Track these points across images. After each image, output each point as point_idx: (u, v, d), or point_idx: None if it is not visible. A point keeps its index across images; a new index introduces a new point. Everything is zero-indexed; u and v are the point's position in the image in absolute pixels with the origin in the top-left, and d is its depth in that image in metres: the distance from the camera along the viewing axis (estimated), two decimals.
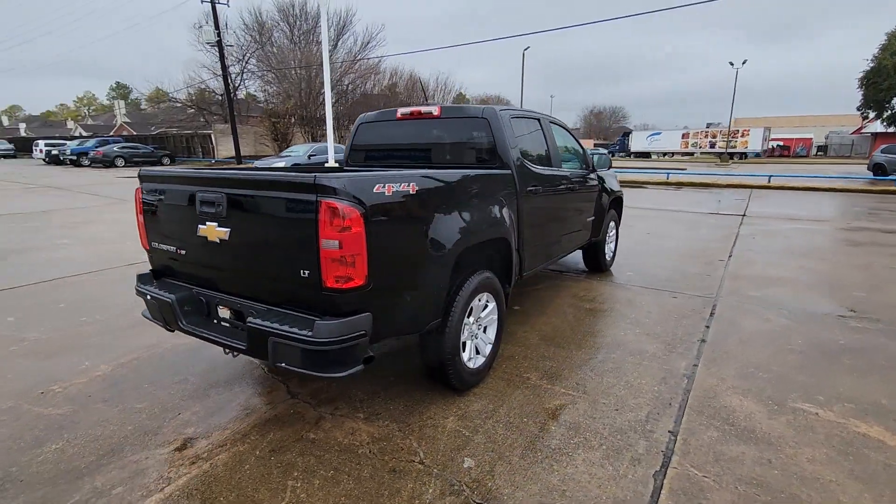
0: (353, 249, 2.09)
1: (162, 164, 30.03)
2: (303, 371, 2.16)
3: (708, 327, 4.08)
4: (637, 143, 47.18)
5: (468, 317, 2.95)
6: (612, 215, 5.74)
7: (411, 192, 2.40)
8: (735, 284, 5.29)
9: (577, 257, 6.00)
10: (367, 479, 2.25)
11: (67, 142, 33.01)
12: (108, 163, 28.17)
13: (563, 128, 4.83)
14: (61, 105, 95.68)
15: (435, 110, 3.70)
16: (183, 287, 2.73)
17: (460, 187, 2.82)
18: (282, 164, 17.67)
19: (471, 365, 2.99)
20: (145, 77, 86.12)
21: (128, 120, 60.61)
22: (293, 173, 2.23)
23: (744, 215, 10.48)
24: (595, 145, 65.32)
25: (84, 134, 55.77)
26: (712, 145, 41.74)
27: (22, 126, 76.91)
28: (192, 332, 2.59)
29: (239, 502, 2.11)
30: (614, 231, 5.97)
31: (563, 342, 3.78)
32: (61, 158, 29.73)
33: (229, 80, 34.35)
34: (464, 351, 2.94)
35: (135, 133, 45.31)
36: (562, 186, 4.24)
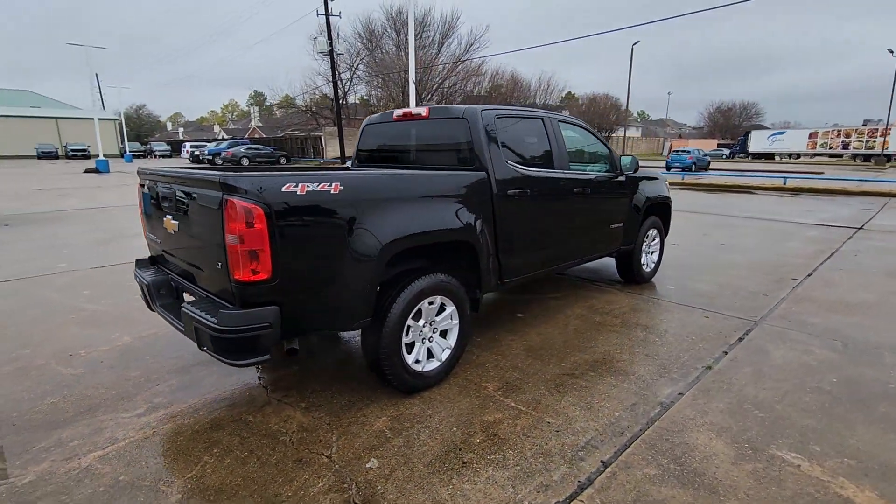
0: (255, 245, 2.20)
1: (279, 164, 33.24)
2: (215, 356, 2.33)
3: (726, 353, 3.59)
4: (757, 143, 42.23)
5: (416, 319, 2.92)
6: (653, 223, 5.25)
7: (333, 192, 2.46)
8: (794, 308, 4.56)
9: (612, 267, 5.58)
10: (272, 465, 2.36)
11: (207, 144, 38.07)
12: (235, 162, 31.89)
13: (583, 128, 4.54)
14: (212, 112, 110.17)
15: (424, 111, 3.70)
16: (163, 273, 3.07)
17: (399, 189, 2.81)
18: None
19: (418, 368, 2.97)
20: (273, 85, 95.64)
21: (260, 124, 68.17)
22: (209, 172, 2.40)
23: (860, 228, 8.91)
24: (718, 145, 59.58)
25: (225, 137, 63.78)
26: (845, 146, 35.87)
27: (180, 130, 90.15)
28: (161, 314, 2.91)
29: (154, 469, 2.33)
30: (657, 240, 5.45)
31: (546, 355, 3.58)
32: (201, 158, 34.32)
33: (339, 86, 36.98)
34: (409, 353, 2.92)
35: (264, 136, 50.69)
36: (567, 189, 3.99)
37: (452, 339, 3.17)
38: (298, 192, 2.33)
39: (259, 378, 3.24)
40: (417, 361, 2.98)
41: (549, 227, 3.91)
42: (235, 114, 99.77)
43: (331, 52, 30.67)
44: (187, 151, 38.06)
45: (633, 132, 77.66)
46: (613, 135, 54.06)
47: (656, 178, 5.37)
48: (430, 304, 2.97)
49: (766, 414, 2.78)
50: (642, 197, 4.99)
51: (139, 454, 2.44)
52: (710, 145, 57.41)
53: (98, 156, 27.36)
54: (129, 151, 43.70)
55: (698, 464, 2.35)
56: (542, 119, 3.99)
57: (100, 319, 4.29)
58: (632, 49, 37.36)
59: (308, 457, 2.43)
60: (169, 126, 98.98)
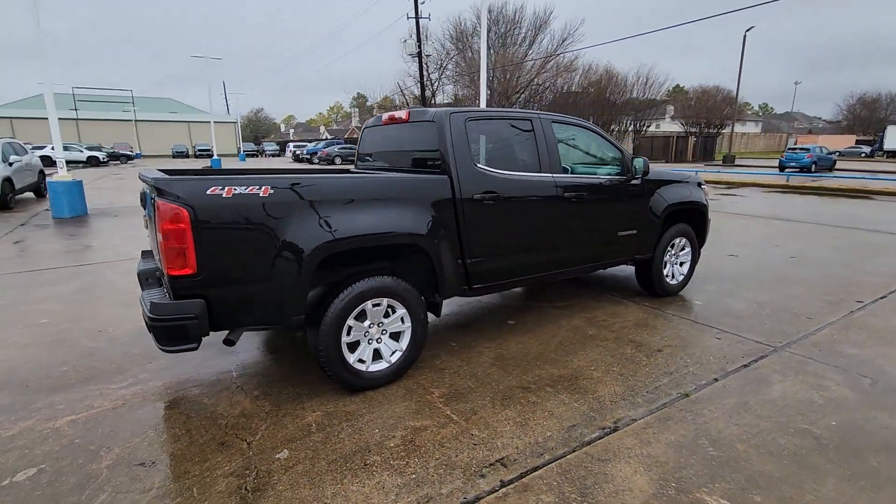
0: (180, 243, 2.42)
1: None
2: (154, 341, 2.59)
3: (716, 380, 3.21)
4: (892, 139, 36.05)
5: (360, 320, 2.99)
6: (680, 231, 4.80)
7: (262, 195, 2.61)
8: (837, 335, 3.92)
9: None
10: (198, 445, 2.57)
11: (307, 144, 41.12)
12: (329, 160, 34.12)
13: (587, 129, 4.29)
14: (319, 114, 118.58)
15: (405, 115, 3.75)
16: (152, 263, 3.45)
17: (341, 192, 2.89)
18: None
19: (361, 367, 3.03)
20: (366, 87, 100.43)
21: (359, 125, 72.02)
22: (152, 175, 2.66)
23: None
24: (857, 142, 51.95)
25: (328, 137, 68.36)
26: None
27: (291, 131, 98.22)
28: (140, 300, 3.28)
29: (104, 437, 2.65)
30: (687, 249, 4.96)
31: (512, 365, 3.45)
32: (300, 157, 37.21)
33: (427, 86, 37.87)
34: (352, 352, 3.00)
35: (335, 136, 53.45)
36: (554, 194, 3.80)
37: (404, 342, 3.19)
38: (224, 195, 2.51)
39: (235, 366, 3.51)
40: (361, 361, 3.05)
41: (531, 232, 3.76)
42: (340, 115, 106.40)
43: (419, 54, 31.61)
44: (290, 151, 41.42)
45: (752, 127, 70.22)
46: (724, 131, 49.25)
47: (683, 182, 4.89)
48: (376, 305, 3.02)
49: (720, 453, 2.46)
50: (662, 202, 4.58)
51: (101, 422, 2.79)
52: (845, 142, 50.19)
53: (213, 155, 30.83)
54: (243, 151, 48.54)
55: (604, 497, 2.16)
56: (532, 120, 3.83)
57: (137, 302, 4.89)
58: (744, 36, 33.75)
59: (231, 441, 2.61)
60: (282, 127, 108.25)
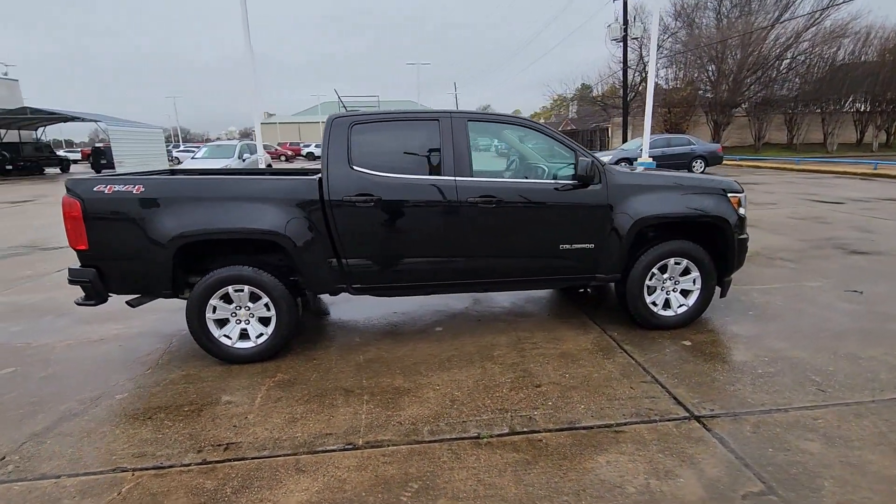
0: (75, 226, 3.29)
1: None
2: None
3: (535, 432, 2.64)
4: None
5: (227, 302, 3.48)
6: (675, 249, 3.80)
7: (135, 192, 3.30)
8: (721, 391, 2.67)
9: None
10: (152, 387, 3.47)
11: None
12: None
13: (533, 128, 3.83)
14: (543, 107, 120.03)
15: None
16: None
17: (207, 191, 3.38)
18: (608, 158, 17.60)
19: (227, 342, 3.51)
20: (566, 81, 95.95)
21: (575, 116, 70.42)
22: (72, 178, 3.56)
23: None
24: None
25: None
26: None
27: None
28: None
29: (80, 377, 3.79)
30: (694, 274, 3.88)
31: (370, 370, 3.45)
32: (496, 152, 38.83)
33: (636, 71, 34.78)
34: (220, 327, 3.51)
35: (574, 128, 52.47)
36: (456, 198, 3.54)
37: (271, 327, 3.55)
38: (106, 192, 3.29)
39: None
40: (228, 337, 3.53)
41: (427, 238, 3.60)
42: (561, 107, 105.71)
43: (624, 38, 29.34)
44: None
45: None
46: None
47: (673, 188, 3.82)
48: (238, 291, 3.46)
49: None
50: (629, 214, 3.70)
51: (70, 355, 3.96)
52: None
53: None
54: None
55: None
56: (440, 120, 3.64)
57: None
58: None
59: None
60: None
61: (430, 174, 3.59)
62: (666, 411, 2.81)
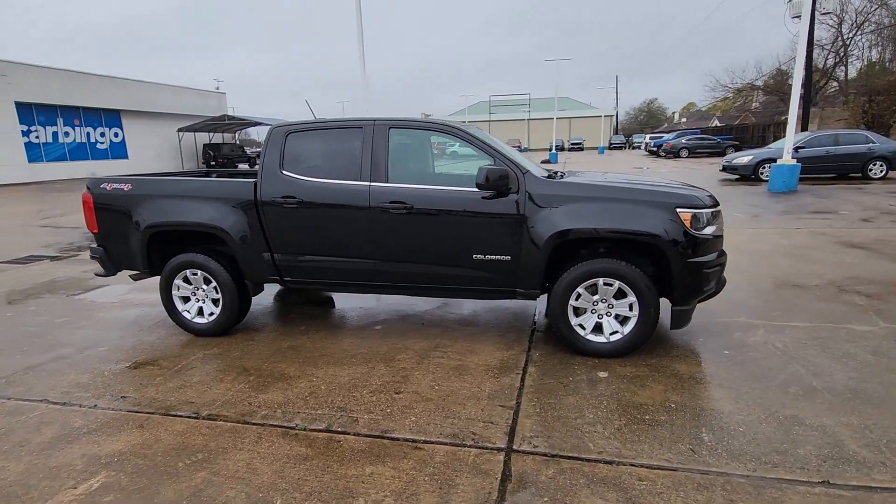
0: (90, 214, 4.28)
1: (725, 154, 30.03)
2: None
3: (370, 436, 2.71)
4: None
5: (185, 282, 4.17)
6: (606, 269, 3.40)
7: (125, 190, 4.15)
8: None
9: None
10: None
11: (664, 135, 38.71)
12: (674, 153, 31.32)
13: (455, 134, 3.78)
14: (724, 99, 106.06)
15: None
16: None
17: (175, 190, 4.07)
18: (747, 160, 15.44)
19: (188, 317, 4.21)
20: (733, 69, 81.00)
21: (759, 108, 60.86)
22: (91, 178, 4.52)
23: None
24: None
25: (718, 125, 61.29)
26: None
27: (683, 120, 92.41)
28: None
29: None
30: (630, 299, 3.41)
31: (280, 356, 3.80)
32: (644, 148, 35.70)
33: (829, 54, 28.99)
34: (185, 303, 4.23)
35: (720, 125, 45.85)
36: (367, 203, 3.69)
37: (219, 307, 4.14)
38: (107, 189, 4.20)
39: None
40: (188, 312, 4.22)
41: (341, 239, 3.82)
42: (745, 99, 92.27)
43: (812, 11, 24.68)
44: (645, 143, 40.08)
45: None
46: None
47: (609, 200, 3.35)
48: (193, 274, 4.12)
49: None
50: (546, 226, 3.40)
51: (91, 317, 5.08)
52: None
53: (582, 148, 33.57)
54: (603, 144, 49.95)
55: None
56: (364, 128, 3.81)
57: None
58: None
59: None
60: (676, 117, 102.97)
61: (344, 179, 3.79)
62: (486, 438, 2.63)
